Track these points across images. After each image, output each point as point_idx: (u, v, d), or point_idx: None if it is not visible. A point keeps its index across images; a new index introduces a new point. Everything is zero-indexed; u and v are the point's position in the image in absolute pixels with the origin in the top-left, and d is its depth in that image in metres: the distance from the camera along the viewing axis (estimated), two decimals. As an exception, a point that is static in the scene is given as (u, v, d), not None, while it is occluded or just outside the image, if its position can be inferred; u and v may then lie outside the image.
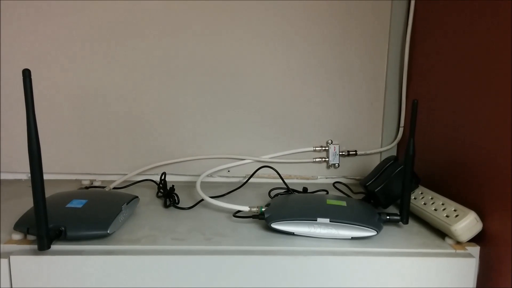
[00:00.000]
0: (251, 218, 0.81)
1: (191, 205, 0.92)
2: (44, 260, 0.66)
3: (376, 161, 1.16)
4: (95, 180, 1.12)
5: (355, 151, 1.15)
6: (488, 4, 0.75)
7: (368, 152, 1.15)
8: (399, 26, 1.10)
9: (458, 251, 0.72)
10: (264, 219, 0.78)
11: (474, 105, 0.79)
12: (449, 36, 0.89)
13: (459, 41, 0.85)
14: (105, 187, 1.01)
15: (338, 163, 1.15)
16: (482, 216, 0.73)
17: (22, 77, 0.59)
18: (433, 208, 0.80)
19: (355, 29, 1.10)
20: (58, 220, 0.70)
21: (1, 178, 1.12)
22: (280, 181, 1.02)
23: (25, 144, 0.61)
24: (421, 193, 0.87)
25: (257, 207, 0.81)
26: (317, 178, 1.17)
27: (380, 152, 1.16)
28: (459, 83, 0.84)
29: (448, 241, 0.75)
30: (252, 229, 0.79)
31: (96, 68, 1.09)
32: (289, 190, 1.00)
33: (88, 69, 1.09)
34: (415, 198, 0.87)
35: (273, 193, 1.00)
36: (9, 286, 0.66)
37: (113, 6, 1.06)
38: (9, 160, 1.11)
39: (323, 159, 1.15)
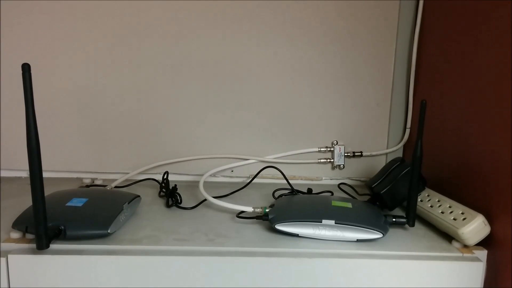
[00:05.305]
0: (255, 219, 0.80)
1: (194, 205, 0.91)
2: (42, 259, 0.65)
3: (381, 162, 1.15)
4: (96, 178, 1.11)
5: (361, 152, 1.13)
6: (497, 4, 0.74)
7: (374, 153, 1.14)
8: (407, 26, 1.09)
9: (465, 254, 0.71)
10: (268, 220, 0.77)
11: (482, 107, 0.78)
12: (458, 37, 0.87)
13: (468, 41, 0.83)
14: (106, 185, 1.00)
15: (343, 164, 1.13)
16: (490, 219, 0.72)
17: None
18: (440, 211, 0.79)
19: (362, 29, 1.09)
20: (57, 219, 0.69)
21: (2, 175, 1.11)
22: (284, 181, 1.01)
23: (25, 141, 0.60)
24: (428, 196, 0.86)
25: (261, 207, 0.81)
26: (321, 179, 1.16)
27: (386, 154, 1.15)
28: (468, 85, 0.83)
29: (455, 244, 0.74)
30: (255, 230, 0.78)
31: (99, 66, 1.08)
32: (293, 191, 0.99)
33: (91, 67, 1.08)
34: (421, 201, 0.85)
35: (277, 193, 0.99)
36: (6, 285, 0.65)
37: (119, 5, 1.05)
38: (10, 158, 1.10)
39: (328, 160, 1.14)
